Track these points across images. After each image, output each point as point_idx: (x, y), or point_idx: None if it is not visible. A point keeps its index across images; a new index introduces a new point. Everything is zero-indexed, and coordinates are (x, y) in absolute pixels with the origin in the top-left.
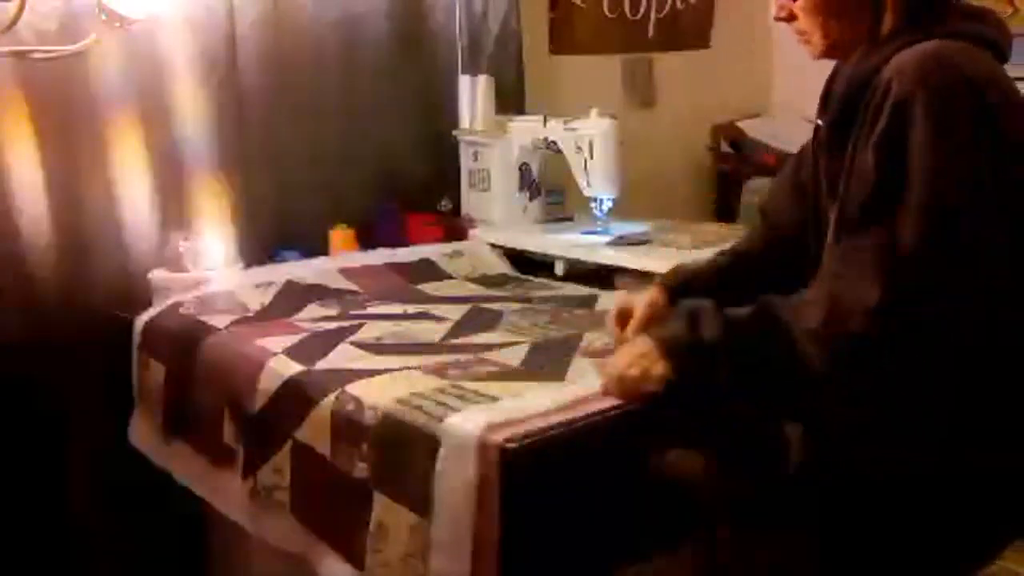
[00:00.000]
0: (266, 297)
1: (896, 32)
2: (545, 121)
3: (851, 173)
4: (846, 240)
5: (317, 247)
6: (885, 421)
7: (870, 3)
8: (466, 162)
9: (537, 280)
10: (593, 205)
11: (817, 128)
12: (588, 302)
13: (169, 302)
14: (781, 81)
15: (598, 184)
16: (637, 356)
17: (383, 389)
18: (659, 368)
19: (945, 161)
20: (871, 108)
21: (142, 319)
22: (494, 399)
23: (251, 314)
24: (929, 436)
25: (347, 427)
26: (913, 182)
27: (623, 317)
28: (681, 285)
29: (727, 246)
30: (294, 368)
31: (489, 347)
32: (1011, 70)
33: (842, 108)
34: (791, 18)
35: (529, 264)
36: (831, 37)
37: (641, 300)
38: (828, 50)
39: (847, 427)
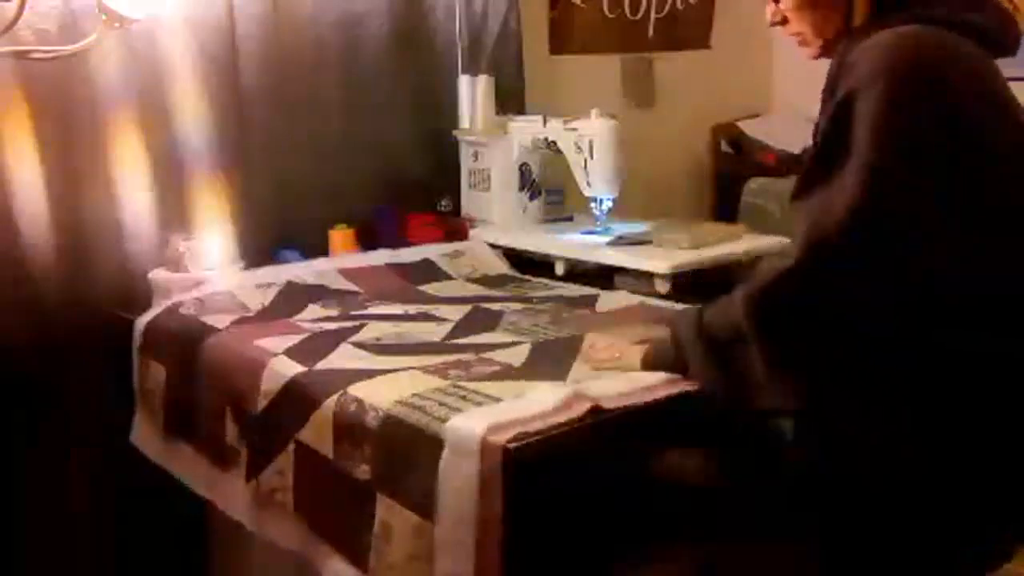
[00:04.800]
0: (267, 297)
1: (871, 21)
2: (545, 121)
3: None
4: (792, 207)
5: (317, 247)
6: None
7: None
8: (466, 162)
9: (537, 280)
10: (593, 205)
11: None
12: (588, 302)
13: (169, 303)
14: (781, 81)
15: (598, 184)
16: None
17: (385, 390)
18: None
19: (884, 137)
20: (838, 92)
21: (143, 320)
22: (496, 399)
23: (252, 314)
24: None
25: (349, 428)
26: (853, 152)
27: None
28: None
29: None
30: (295, 369)
31: (490, 347)
32: (1011, 70)
33: (825, 98)
34: (784, 21)
35: (529, 264)
36: (823, 34)
37: None
38: (824, 48)
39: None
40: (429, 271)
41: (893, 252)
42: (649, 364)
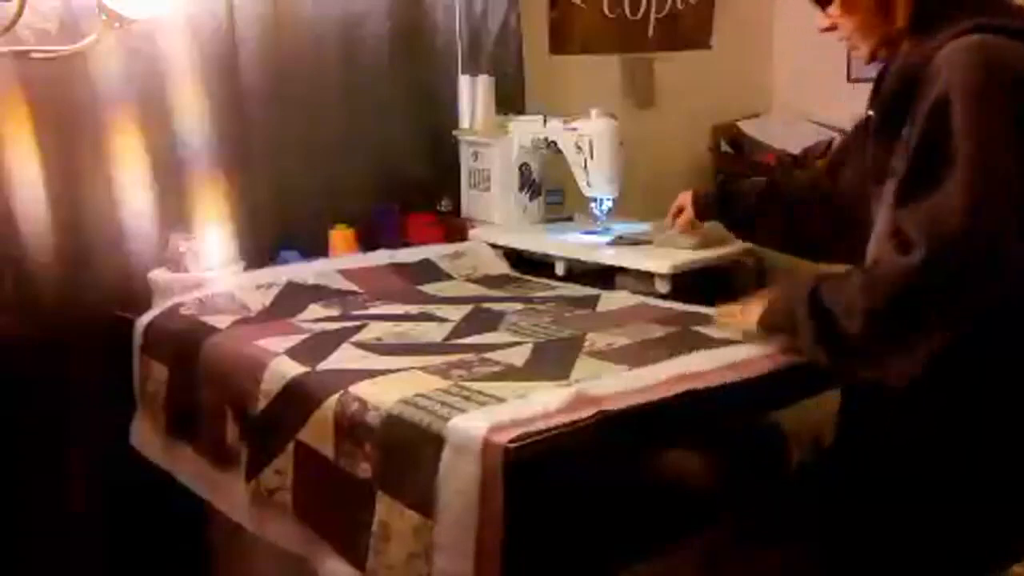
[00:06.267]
0: (267, 298)
1: (928, 27)
2: (545, 121)
3: (908, 153)
4: (898, 212)
5: (317, 247)
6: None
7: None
8: (466, 162)
9: (538, 280)
10: (593, 205)
11: (868, 118)
12: (589, 302)
13: (170, 303)
14: (781, 81)
15: (598, 184)
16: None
17: (387, 390)
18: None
19: (984, 141)
20: (922, 98)
21: (143, 320)
22: (498, 400)
23: (253, 315)
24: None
25: (350, 428)
26: (958, 157)
27: (678, 211)
28: (724, 195)
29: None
30: (297, 369)
31: (492, 347)
32: None
33: (893, 100)
34: (834, 27)
35: (529, 264)
36: (869, 38)
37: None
38: (875, 51)
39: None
40: (429, 271)
41: (1006, 250)
42: (765, 324)
